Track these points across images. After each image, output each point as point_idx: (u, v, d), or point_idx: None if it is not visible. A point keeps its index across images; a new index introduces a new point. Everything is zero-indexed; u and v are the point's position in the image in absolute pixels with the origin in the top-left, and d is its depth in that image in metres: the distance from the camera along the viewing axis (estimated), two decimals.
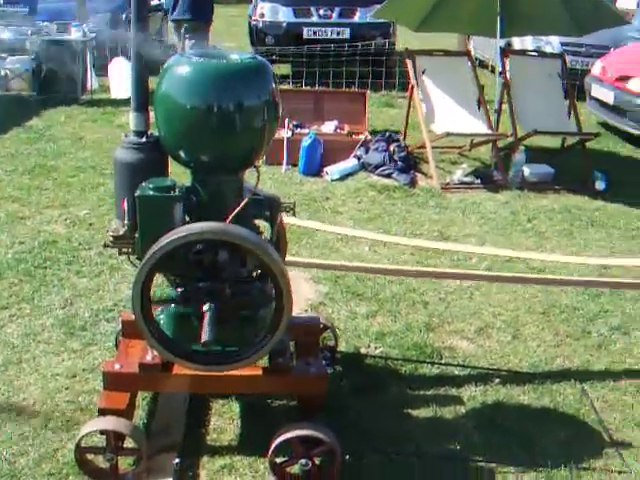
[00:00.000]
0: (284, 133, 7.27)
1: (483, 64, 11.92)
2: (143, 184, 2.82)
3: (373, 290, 4.71)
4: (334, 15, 11.55)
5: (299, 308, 4.37)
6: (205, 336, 2.67)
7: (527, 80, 7.64)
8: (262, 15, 11.72)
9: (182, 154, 2.88)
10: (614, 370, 4.05)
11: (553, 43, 11.34)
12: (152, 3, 13.92)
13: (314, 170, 7.04)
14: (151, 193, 2.79)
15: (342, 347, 4.00)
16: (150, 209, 2.80)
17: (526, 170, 7.02)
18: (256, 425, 3.37)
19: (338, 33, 11.40)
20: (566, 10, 7.50)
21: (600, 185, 6.94)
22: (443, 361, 4.01)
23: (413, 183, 6.81)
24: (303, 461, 2.97)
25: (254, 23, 11.91)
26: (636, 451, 3.41)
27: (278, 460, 3.03)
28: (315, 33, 11.41)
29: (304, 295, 4.61)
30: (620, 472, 3.26)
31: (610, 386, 3.89)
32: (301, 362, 3.23)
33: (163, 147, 2.95)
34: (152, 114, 2.97)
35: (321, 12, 11.54)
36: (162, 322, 3.00)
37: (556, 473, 3.20)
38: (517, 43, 11.36)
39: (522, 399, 3.72)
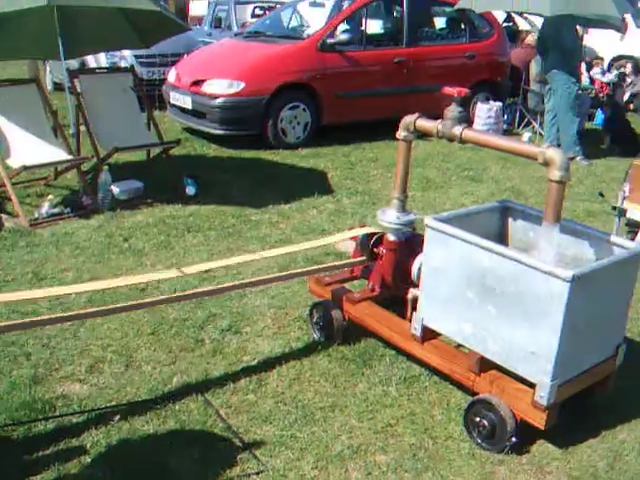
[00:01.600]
0: None
1: (61, 87, 11.49)
2: None
3: None
4: None
5: None
6: None
7: (101, 99, 7.41)
8: None
9: None
10: (233, 372, 4.01)
11: (127, 57, 11.31)
12: None
13: None
14: None
15: None
16: None
17: (115, 189, 6.80)
18: None
19: None
20: (130, 25, 7.40)
21: (191, 190, 6.96)
22: (57, 413, 3.64)
23: None
24: None
25: None
26: (269, 447, 3.40)
27: None
28: None
29: None
30: (258, 473, 3.23)
31: (232, 389, 3.84)
32: None
33: None
34: None
35: None
36: None
37: None
38: (92, 61, 11.17)
39: (147, 429, 3.50)
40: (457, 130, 3.67)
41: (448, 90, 3.72)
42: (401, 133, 3.99)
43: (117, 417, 3.58)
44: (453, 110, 3.70)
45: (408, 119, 3.95)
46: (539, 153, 3.31)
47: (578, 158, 9.44)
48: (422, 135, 4.08)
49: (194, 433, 3.50)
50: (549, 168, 3.27)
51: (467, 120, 3.80)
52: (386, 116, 9.23)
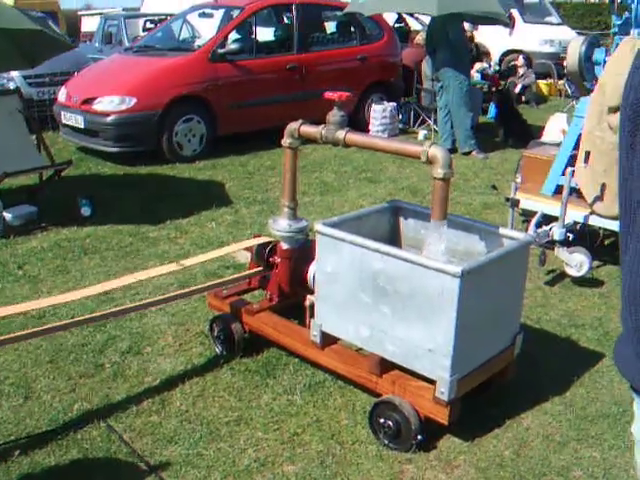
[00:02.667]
0: None
1: None
2: None
3: None
4: None
5: None
6: None
7: None
8: None
9: None
10: (135, 394, 3.92)
11: (15, 79, 11.02)
12: None
13: None
14: None
15: None
16: None
17: (7, 215, 6.58)
18: None
19: None
20: (13, 46, 7.19)
21: (86, 211, 6.80)
22: None
23: None
24: None
25: None
26: (175, 468, 3.34)
27: None
28: None
29: None
30: None
31: (135, 412, 3.76)
32: None
33: None
34: None
35: None
36: None
37: None
38: None
39: (48, 461, 3.38)
40: (340, 134, 3.68)
41: (329, 95, 3.72)
42: (286, 140, 3.98)
43: (17, 452, 3.45)
44: (335, 114, 3.71)
45: (292, 126, 3.95)
46: (422, 152, 3.34)
47: (474, 152, 9.63)
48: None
49: (97, 461, 3.41)
50: (432, 166, 3.31)
51: (348, 123, 3.82)
52: (282, 123, 9.21)
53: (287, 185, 4.05)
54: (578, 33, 17.24)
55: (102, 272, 5.56)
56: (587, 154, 5.40)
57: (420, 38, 12.96)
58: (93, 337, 4.50)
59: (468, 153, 9.62)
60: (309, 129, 3.88)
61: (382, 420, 3.47)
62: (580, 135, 5.68)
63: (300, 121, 3.93)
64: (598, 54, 5.74)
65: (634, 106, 1.33)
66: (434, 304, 3.19)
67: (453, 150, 9.63)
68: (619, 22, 5.72)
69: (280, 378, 4.04)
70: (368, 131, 10.52)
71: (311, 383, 3.98)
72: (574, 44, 5.87)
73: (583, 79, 5.84)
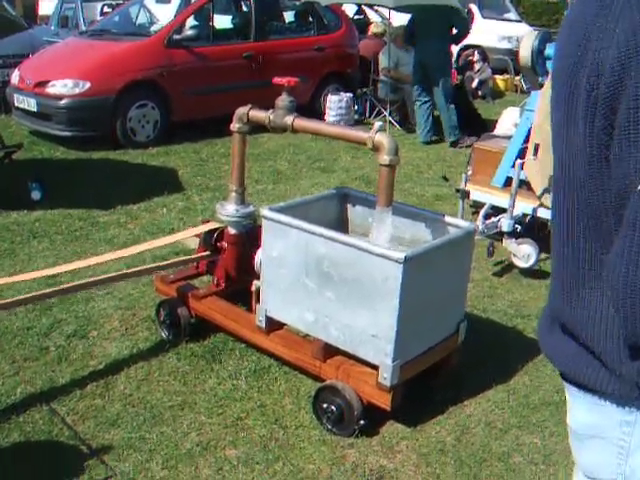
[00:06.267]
0: None
1: None
2: None
3: None
4: None
5: None
6: None
7: None
8: None
9: None
10: (79, 378, 3.90)
11: None
12: None
13: None
14: None
15: None
16: None
17: None
18: None
19: None
20: None
21: (36, 195, 6.71)
22: None
23: None
24: None
25: None
26: (117, 451, 3.34)
27: None
28: None
29: None
30: (106, 478, 3.15)
31: (78, 395, 3.74)
32: None
33: None
34: None
35: None
36: None
37: None
38: None
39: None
40: (288, 119, 3.69)
41: (278, 80, 3.73)
42: (235, 125, 3.97)
43: None
44: (284, 100, 3.72)
45: (241, 110, 3.94)
46: (368, 138, 3.36)
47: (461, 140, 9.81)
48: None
49: (39, 444, 3.39)
50: (378, 153, 3.33)
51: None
52: None
53: (235, 170, 4.04)
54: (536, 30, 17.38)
55: (51, 256, 5.50)
56: (536, 147, 5.49)
57: (375, 29, 12.96)
58: (38, 320, 4.46)
59: (455, 143, 9.76)
60: (258, 114, 3.88)
61: (325, 405, 3.49)
62: (530, 128, 5.78)
63: (249, 106, 3.93)
64: (550, 49, 5.81)
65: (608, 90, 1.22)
66: (377, 290, 3.21)
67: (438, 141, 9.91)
68: None
69: (226, 363, 4.05)
70: (324, 121, 10.52)
71: (256, 368, 4.00)
72: (527, 39, 5.94)
73: (535, 73, 5.91)
